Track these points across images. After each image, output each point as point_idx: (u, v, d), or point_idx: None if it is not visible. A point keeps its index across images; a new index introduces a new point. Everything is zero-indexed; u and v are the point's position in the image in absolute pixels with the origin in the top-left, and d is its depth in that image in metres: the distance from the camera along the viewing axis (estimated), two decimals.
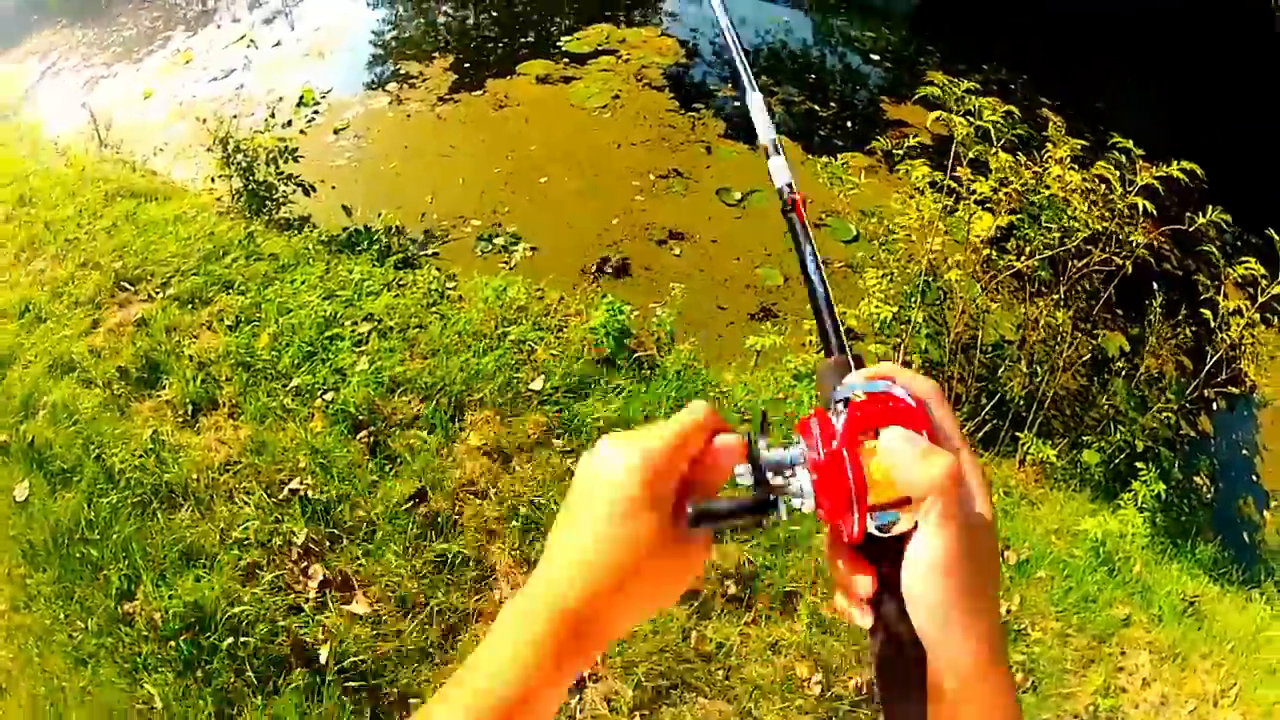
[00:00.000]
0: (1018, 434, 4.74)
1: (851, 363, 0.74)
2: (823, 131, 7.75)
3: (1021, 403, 4.85)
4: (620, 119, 7.39)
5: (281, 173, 5.91)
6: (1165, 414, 4.95)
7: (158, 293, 4.93)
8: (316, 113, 6.90)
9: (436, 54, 8.64)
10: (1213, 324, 4.71)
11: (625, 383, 4.34)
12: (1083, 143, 4.78)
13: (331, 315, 4.62)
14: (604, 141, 7.14)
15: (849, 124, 7.89)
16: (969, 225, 4.69)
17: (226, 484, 3.77)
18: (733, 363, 5.00)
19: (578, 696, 3.17)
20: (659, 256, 6.12)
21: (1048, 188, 4.64)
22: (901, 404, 0.65)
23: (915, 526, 0.62)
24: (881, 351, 5.02)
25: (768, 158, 0.92)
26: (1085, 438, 4.97)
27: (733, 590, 3.49)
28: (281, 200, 5.93)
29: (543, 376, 4.26)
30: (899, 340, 4.93)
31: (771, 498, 0.66)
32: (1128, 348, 5.70)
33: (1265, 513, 5.30)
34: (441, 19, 9.86)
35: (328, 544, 3.54)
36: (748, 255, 6.21)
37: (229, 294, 4.87)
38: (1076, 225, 4.54)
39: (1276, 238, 4.49)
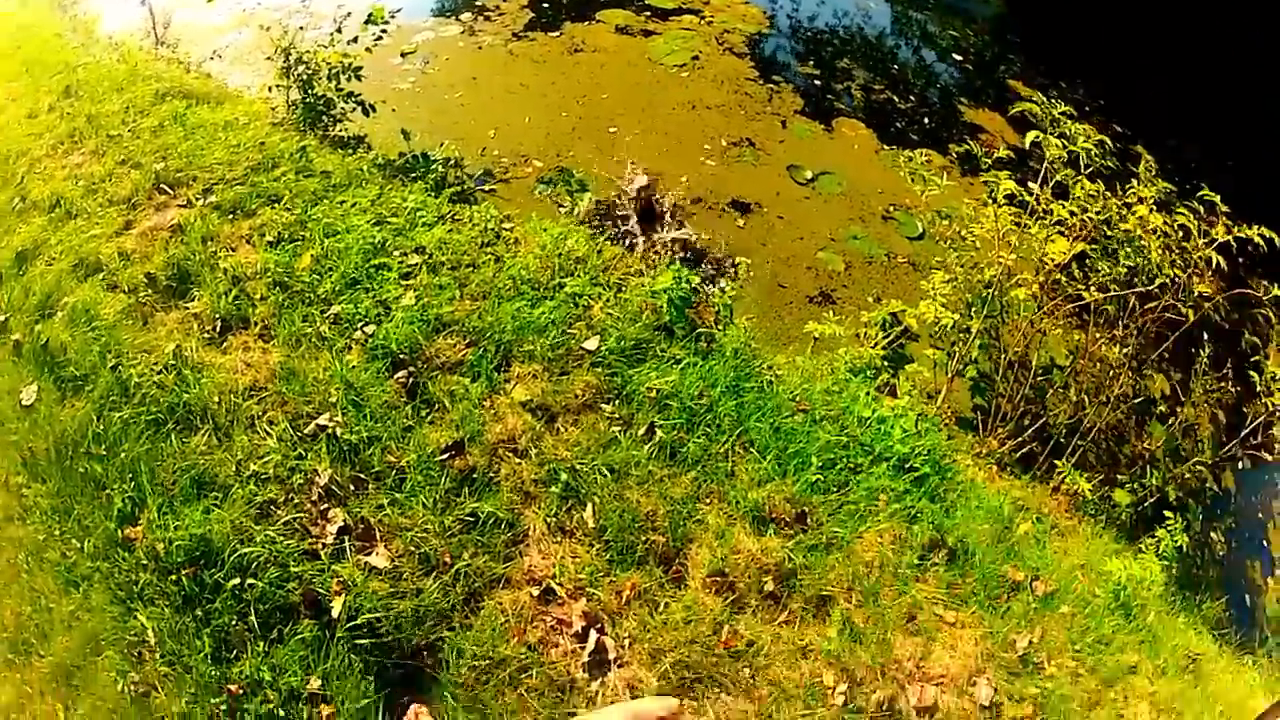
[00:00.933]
0: (1055, 461, 4.64)
1: None
2: (899, 124, 7.42)
3: (1064, 431, 4.75)
4: (698, 80, 7.07)
5: (342, 89, 5.65)
6: (1199, 467, 4.95)
7: (198, 199, 4.65)
8: (385, 32, 6.56)
9: None
10: (1257, 386, 4.64)
11: (682, 354, 4.00)
12: (1170, 186, 4.69)
13: (380, 243, 4.31)
14: (679, 100, 6.82)
15: (925, 120, 7.59)
16: (1044, 246, 4.63)
17: (249, 410, 3.51)
18: (789, 345, 4.75)
19: (600, 680, 2.94)
20: (722, 224, 5.80)
21: (1125, 223, 4.57)
22: None
23: None
24: (936, 356, 5.04)
25: None
26: (1119, 476, 4.94)
27: (769, 587, 3.24)
28: (338, 117, 5.67)
29: (598, 336, 3.93)
30: (953, 347, 4.93)
31: None
32: (1168, 393, 5.63)
33: (1269, 579, 5.23)
34: None
35: (352, 488, 3.27)
36: (811, 237, 5.92)
37: (274, 209, 4.57)
38: (1149, 267, 4.48)
39: None
